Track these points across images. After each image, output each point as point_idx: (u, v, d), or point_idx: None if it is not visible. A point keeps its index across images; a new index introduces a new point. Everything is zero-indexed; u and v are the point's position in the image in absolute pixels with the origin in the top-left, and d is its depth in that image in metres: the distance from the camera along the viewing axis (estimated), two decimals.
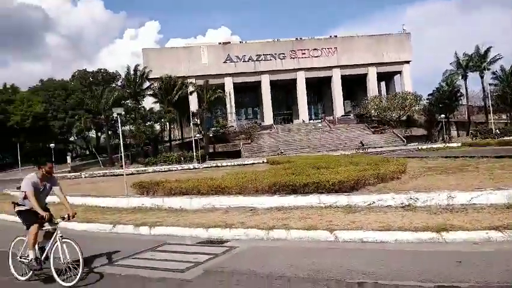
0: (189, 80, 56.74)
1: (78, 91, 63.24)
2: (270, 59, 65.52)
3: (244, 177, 12.35)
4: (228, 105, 63.80)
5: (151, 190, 13.30)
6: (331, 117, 65.86)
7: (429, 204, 7.97)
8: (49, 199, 5.95)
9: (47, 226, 5.47)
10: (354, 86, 69.80)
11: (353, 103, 71.63)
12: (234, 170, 21.74)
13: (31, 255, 5.39)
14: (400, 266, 5.01)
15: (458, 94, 60.79)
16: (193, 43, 75.73)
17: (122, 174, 16.77)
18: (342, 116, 66.08)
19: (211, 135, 55.31)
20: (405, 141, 51.80)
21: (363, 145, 45.02)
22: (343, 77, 67.06)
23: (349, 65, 66.16)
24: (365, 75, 67.97)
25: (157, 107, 55.48)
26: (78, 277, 5.02)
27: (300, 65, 65.93)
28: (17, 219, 12.30)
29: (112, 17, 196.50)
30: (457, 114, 65.01)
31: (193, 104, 56.53)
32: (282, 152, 46.54)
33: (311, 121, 66.35)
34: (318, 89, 71.49)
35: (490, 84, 59.31)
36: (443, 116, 54.43)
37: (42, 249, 5.48)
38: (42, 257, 5.43)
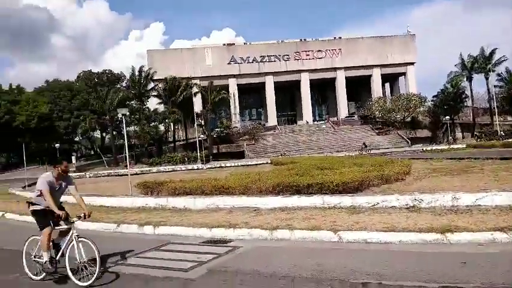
0: (193, 81, 56.87)
1: (83, 92, 63.60)
2: (274, 60, 65.54)
3: (248, 177, 12.38)
4: (232, 106, 63.87)
5: (155, 190, 13.36)
6: (335, 119, 65.75)
7: (433, 205, 7.95)
8: (63, 198, 5.95)
9: (63, 225, 5.44)
10: (358, 87, 69.66)
11: (357, 104, 71.46)
12: (238, 170, 21.76)
13: (45, 258, 5.34)
14: (404, 267, 5.00)
15: (463, 96, 60.48)
16: (197, 44, 75.90)
17: (127, 174, 16.85)
18: (346, 117, 65.95)
19: (215, 136, 55.39)
20: (410, 142, 51.62)
21: (366, 146, 44.85)
22: (347, 78, 66.95)
23: (353, 66, 66.04)
24: (369, 77, 67.82)
25: (161, 107, 55.66)
26: (95, 276, 4.98)
27: (304, 66, 65.88)
28: (26, 218, 12.47)
29: (117, 18, 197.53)
30: (462, 115, 64.68)
31: (198, 105, 56.66)
32: (284, 153, 46.52)
33: (315, 122, 66.26)
34: (322, 90, 71.40)
35: (495, 86, 59.06)
36: (448, 117, 54.19)
37: (57, 247, 5.44)
38: (58, 256, 5.38)
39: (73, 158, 60.00)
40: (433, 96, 62.64)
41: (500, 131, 50.46)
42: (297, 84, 67.15)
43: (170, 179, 14.38)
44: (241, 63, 64.68)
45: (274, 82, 65.56)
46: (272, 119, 65.67)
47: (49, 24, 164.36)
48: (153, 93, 57.37)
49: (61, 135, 64.31)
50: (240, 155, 50.40)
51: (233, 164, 36.55)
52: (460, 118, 62.99)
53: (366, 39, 67.85)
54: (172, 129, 57.37)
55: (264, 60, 65.19)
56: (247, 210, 9.56)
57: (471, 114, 63.38)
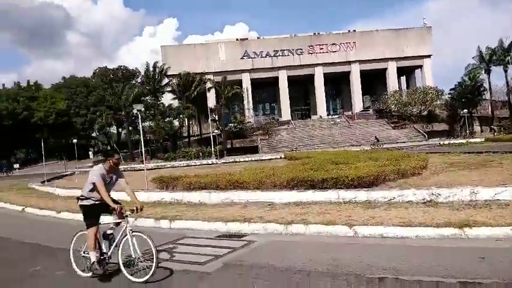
0: (207, 77, 56.99)
1: (99, 88, 64.49)
2: (288, 55, 65.14)
3: (262, 172, 12.40)
4: (245, 101, 63.82)
5: (171, 185, 13.49)
6: (349, 113, 65.16)
7: (451, 200, 7.84)
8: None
9: (115, 219, 5.35)
10: (373, 80, 68.81)
11: (372, 98, 70.62)
12: (252, 165, 21.81)
13: (93, 258, 5.23)
14: (421, 262, 4.95)
15: (481, 89, 59.14)
16: (210, 40, 76.05)
17: (143, 169, 17.05)
18: (361, 111, 65.27)
19: (229, 130, 55.55)
20: (427, 136, 50.82)
21: (378, 141, 44.23)
22: (362, 72, 66.16)
23: (368, 59, 65.16)
24: (384, 70, 66.89)
25: (175, 103, 55.99)
26: (151, 272, 4.81)
27: (318, 60, 65.32)
28: (45, 212, 12.74)
29: (131, 14, 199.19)
30: (480, 109, 63.29)
31: (211, 100, 56.83)
32: (296, 148, 46.28)
33: (329, 116, 65.76)
34: (337, 84, 70.74)
35: None
36: (465, 111, 53.14)
37: (111, 239, 5.36)
38: (110, 250, 5.30)
39: (90, 153, 61.01)
40: (450, 89, 61.45)
41: None
42: (310, 78, 66.68)
43: (185, 174, 14.51)
44: (255, 57, 64.51)
45: (288, 76, 65.23)
46: (286, 113, 65.44)
47: (65, 21, 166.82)
48: (167, 89, 57.76)
49: (78, 131, 65.43)
50: (254, 150, 50.43)
51: (247, 159, 36.62)
52: (478, 111, 61.68)
53: (382, 32, 66.85)
54: (187, 124, 57.71)
55: (278, 54, 64.85)
56: (261, 204, 9.58)
57: (489, 108, 62.03)
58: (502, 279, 4.19)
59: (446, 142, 39.97)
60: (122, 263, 5.12)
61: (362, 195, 8.81)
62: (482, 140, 38.07)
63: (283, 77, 65.31)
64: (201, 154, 47.30)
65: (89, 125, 66.72)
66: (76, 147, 52.61)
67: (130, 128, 58.69)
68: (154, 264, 4.82)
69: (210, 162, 37.77)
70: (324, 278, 4.66)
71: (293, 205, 9.07)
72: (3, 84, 68.90)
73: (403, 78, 73.90)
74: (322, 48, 65.56)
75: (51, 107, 62.01)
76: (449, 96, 60.63)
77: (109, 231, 5.42)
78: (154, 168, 32.74)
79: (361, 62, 65.53)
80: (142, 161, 19.64)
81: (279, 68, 64.96)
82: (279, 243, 6.63)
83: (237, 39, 67.34)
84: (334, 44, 65.69)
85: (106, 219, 5.59)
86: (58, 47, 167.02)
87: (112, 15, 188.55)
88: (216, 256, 5.93)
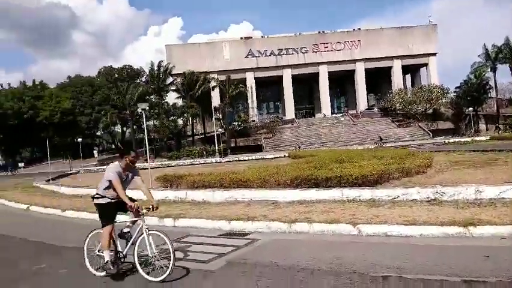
0: (211, 75, 57.07)
1: (104, 87, 64.73)
2: (292, 53, 65.04)
3: (266, 170, 12.38)
4: (249, 100, 63.86)
5: (175, 183, 13.51)
6: (354, 111, 64.97)
7: (456, 198, 7.80)
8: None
9: (130, 217, 5.29)
10: (378, 79, 68.55)
11: (377, 96, 70.36)
12: (256, 164, 21.79)
13: (106, 257, 5.14)
14: (425, 261, 4.92)
15: (487, 87, 58.73)
16: (215, 39, 75.98)
17: (147, 168, 17.08)
18: (365, 109, 65.07)
19: (233, 129, 55.59)
20: (431, 134, 50.60)
21: (381, 139, 44.11)
22: (367, 70, 65.92)
23: (373, 58, 64.87)
24: (389, 68, 66.62)
25: (180, 102, 56.12)
26: (168, 271, 4.70)
27: (322, 58, 65.16)
28: (49, 211, 12.80)
29: (136, 14, 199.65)
30: (486, 107, 62.84)
31: (215, 99, 56.89)
32: (299, 147, 46.20)
33: (333, 115, 65.61)
34: (341, 82, 70.52)
35: None
36: (471, 109, 52.79)
37: (127, 238, 5.26)
38: (126, 248, 5.20)
39: (95, 152, 61.25)
40: (456, 88, 61.08)
41: None
42: (315, 76, 66.53)
43: (189, 173, 14.52)
44: (259, 56, 64.47)
45: (292, 75, 65.14)
46: (290, 112, 65.36)
47: (71, 21, 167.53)
48: (172, 88, 57.92)
49: (83, 130, 65.73)
50: (258, 149, 50.45)
51: (251, 158, 36.63)
52: (483, 110, 61.27)
53: (387, 30, 66.57)
54: (191, 123, 57.81)
55: (282, 53, 64.78)
56: (265, 203, 9.58)
57: (495, 106, 61.60)
58: (507, 277, 4.16)
59: (451, 140, 39.76)
60: (138, 262, 5.01)
61: (366, 193, 8.78)
62: (488, 138, 37.81)
63: (287, 76, 65.22)
64: (204, 153, 47.38)
65: (94, 124, 67.02)
66: (80, 146, 52.87)
67: (135, 127, 58.88)
68: (171, 263, 4.72)
69: (214, 161, 37.84)
70: (327, 276, 4.64)
71: (297, 204, 9.06)
72: (9, 84, 69.39)
73: (408, 77, 73.61)
74: (327, 47, 65.38)
75: (56, 106, 62.34)
76: (455, 94, 60.28)
77: (125, 230, 5.33)
78: (158, 167, 32.83)
79: (366, 60, 65.28)
80: (147, 160, 19.70)
81: (284, 67, 64.88)
82: (282, 242, 6.62)
83: (242, 38, 67.32)
84: (339, 42, 65.50)
85: (121, 217, 5.54)
86: (64, 46, 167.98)
87: (117, 15, 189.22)
88: (220, 254, 5.93)
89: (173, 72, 56.45)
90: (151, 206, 5.11)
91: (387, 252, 5.43)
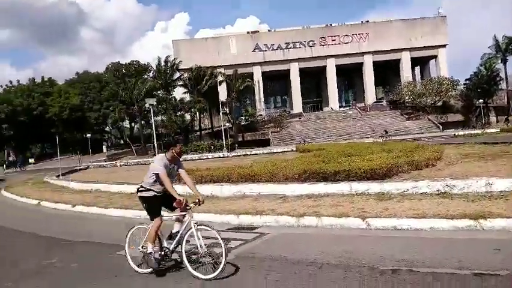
0: (218, 70, 56.99)
1: (112, 83, 65.13)
2: (299, 47, 64.62)
3: (274, 165, 12.36)
4: (256, 94, 63.71)
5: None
6: (362, 104, 64.50)
7: (466, 191, 7.70)
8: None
9: (177, 212, 5.05)
10: (386, 71, 67.91)
11: (386, 89, 69.78)
12: (263, 158, 21.78)
13: (149, 249, 4.92)
14: (435, 254, 4.89)
15: (497, 78, 57.95)
16: (221, 33, 75.97)
17: None
18: (374, 102, 64.56)
19: (241, 123, 55.59)
20: (441, 127, 50.09)
21: (387, 133, 43.78)
22: (375, 63, 65.30)
23: (381, 50, 64.17)
24: (398, 61, 65.92)
25: (187, 97, 56.21)
26: (220, 268, 4.49)
27: (330, 51, 64.65)
28: (59, 206, 12.94)
29: (143, 9, 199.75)
30: (496, 99, 62.01)
31: (222, 94, 56.87)
32: (304, 141, 46.01)
33: (341, 108, 65.20)
34: (349, 75, 70.01)
35: None
36: (481, 101, 52.14)
37: (171, 236, 5.09)
38: (172, 245, 4.96)
39: (104, 147, 61.72)
40: (466, 79, 60.36)
41: None
42: (322, 70, 66.13)
43: (197, 167, 14.57)
44: (266, 50, 64.19)
45: (300, 68, 64.79)
46: (297, 106, 65.12)
47: (78, 17, 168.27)
48: (179, 83, 58.01)
49: (92, 126, 66.27)
50: (265, 143, 50.39)
51: (258, 152, 36.62)
52: (493, 102, 60.48)
53: (395, 22, 65.81)
54: (198, 118, 57.94)
55: (289, 46, 64.41)
56: (273, 197, 9.57)
57: (505, 98, 60.75)
58: None
59: (461, 133, 39.36)
60: (187, 259, 4.78)
61: (375, 187, 8.72)
62: (498, 130, 37.36)
63: (294, 69, 64.89)
64: (212, 147, 47.46)
65: (102, 120, 67.54)
66: (89, 142, 53.32)
67: (143, 122, 59.21)
68: (223, 259, 4.49)
69: (222, 156, 37.88)
70: (336, 270, 4.63)
71: (305, 197, 9.03)
72: (18, 81, 70.06)
73: (417, 69, 72.80)
74: (334, 40, 64.86)
75: (65, 102, 62.87)
76: (465, 86, 59.55)
77: (174, 230, 5.08)
78: None
79: (374, 53, 64.64)
80: (155, 155, 19.76)
81: (291, 61, 64.54)
82: (291, 236, 6.62)
83: (248, 32, 67.06)
84: (346, 35, 64.93)
85: (164, 213, 5.29)
86: (72, 43, 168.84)
87: (125, 11, 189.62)
88: (229, 248, 5.94)
89: (181, 67, 56.50)
90: (197, 200, 4.95)
91: (397, 246, 5.39)
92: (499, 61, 58.27)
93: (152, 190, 5.03)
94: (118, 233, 7.97)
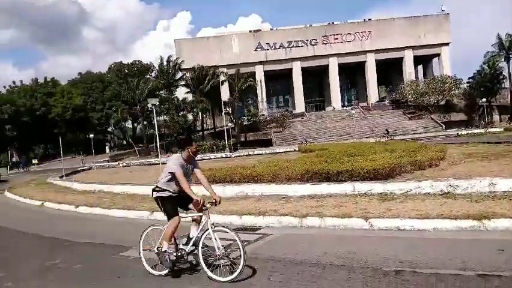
0: (220, 70, 57.02)
1: (114, 83, 65.21)
2: (302, 46, 64.53)
3: (276, 165, 12.35)
4: (258, 94, 63.65)
5: None
6: (365, 104, 64.33)
7: (470, 191, 7.68)
8: None
9: (194, 212, 4.97)
10: (389, 70, 67.74)
11: (388, 88, 69.59)
12: (266, 158, 21.78)
13: (165, 247, 4.82)
14: (439, 255, 4.87)
15: (501, 77, 57.72)
16: (223, 32, 75.85)
17: (158, 163, 17.19)
18: (376, 102, 64.40)
19: (243, 123, 55.57)
20: (444, 126, 49.94)
21: (388, 132, 43.70)
22: (378, 62, 65.14)
23: (384, 48, 63.96)
24: (400, 59, 65.70)
25: (189, 97, 56.27)
26: (239, 270, 4.37)
27: (332, 50, 64.53)
28: (62, 207, 12.97)
29: (145, 8, 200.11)
30: (500, 98, 61.76)
31: (225, 94, 56.86)
32: (306, 141, 45.92)
33: (344, 108, 65.07)
34: (351, 74, 69.89)
35: None
36: (484, 100, 51.93)
37: (188, 237, 5.01)
38: (188, 246, 4.86)
39: (107, 147, 61.87)
40: (469, 78, 60.15)
41: None
42: (325, 69, 66.02)
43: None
44: (268, 49, 64.12)
45: (302, 68, 64.71)
46: (300, 105, 65.04)
47: (80, 17, 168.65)
48: (181, 83, 58.06)
49: (95, 126, 66.40)
50: (268, 143, 50.38)
51: (261, 152, 36.63)
52: (497, 100, 60.23)
53: (398, 20, 65.60)
54: (201, 118, 57.97)
55: (291, 45, 64.32)
56: (276, 197, 9.56)
57: (509, 96, 60.49)
58: None
59: (464, 132, 39.24)
60: (203, 260, 4.68)
61: (378, 187, 8.70)
62: (502, 129, 37.21)
63: (297, 69, 64.80)
64: (214, 148, 47.47)
65: (105, 120, 67.68)
66: (92, 142, 53.45)
67: (145, 122, 59.28)
68: (242, 261, 4.36)
69: (224, 156, 37.90)
70: (340, 271, 4.62)
71: (308, 198, 9.02)
72: (21, 81, 70.29)
73: (420, 68, 72.60)
74: (337, 38, 64.72)
75: (68, 102, 63.03)
76: (468, 85, 59.31)
77: (191, 235, 4.97)
78: None
79: (377, 51, 64.47)
80: (157, 155, 19.81)
81: (293, 60, 64.47)
82: (294, 236, 6.61)
83: (250, 31, 67.02)
84: (349, 33, 64.79)
85: (182, 214, 5.18)
86: (74, 42, 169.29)
87: (127, 10, 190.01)
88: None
89: (183, 66, 56.55)
90: (213, 200, 4.83)
91: (400, 247, 5.38)
92: (502, 59, 58.03)
93: (168, 190, 4.96)
94: (121, 234, 8.02)
